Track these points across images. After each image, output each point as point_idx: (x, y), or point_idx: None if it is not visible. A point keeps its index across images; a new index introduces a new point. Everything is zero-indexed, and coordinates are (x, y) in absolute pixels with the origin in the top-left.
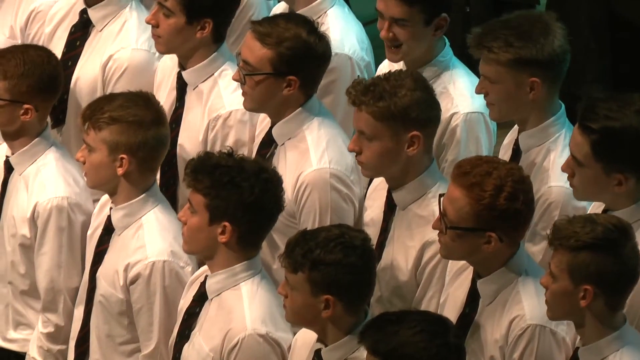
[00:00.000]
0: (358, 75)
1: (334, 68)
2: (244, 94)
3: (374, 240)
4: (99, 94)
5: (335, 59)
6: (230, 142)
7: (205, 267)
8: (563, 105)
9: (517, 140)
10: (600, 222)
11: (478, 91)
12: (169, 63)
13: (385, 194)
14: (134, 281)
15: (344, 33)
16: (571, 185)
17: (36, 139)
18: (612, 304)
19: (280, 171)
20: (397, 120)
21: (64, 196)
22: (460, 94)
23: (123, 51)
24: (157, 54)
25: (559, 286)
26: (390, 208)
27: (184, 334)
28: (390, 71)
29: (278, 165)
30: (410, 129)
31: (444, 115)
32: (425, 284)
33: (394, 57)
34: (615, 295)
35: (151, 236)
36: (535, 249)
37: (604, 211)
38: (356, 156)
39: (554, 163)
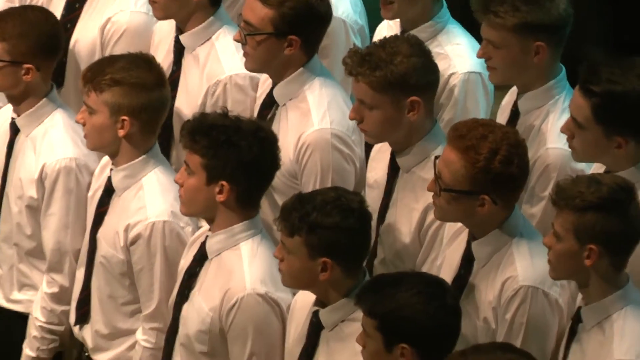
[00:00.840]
0: (353, 43)
1: (327, 32)
2: (245, 54)
3: (378, 203)
4: (97, 56)
5: None
6: (230, 106)
7: (206, 227)
8: (564, 68)
9: (515, 102)
10: (605, 182)
11: (480, 55)
12: (166, 26)
13: (388, 156)
14: (134, 242)
15: None
16: (570, 147)
17: (43, 100)
18: (616, 263)
19: (282, 132)
20: (395, 88)
21: (72, 157)
22: (457, 54)
23: (121, 14)
24: None
25: (564, 246)
26: (394, 171)
27: (184, 294)
28: (385, 37)
29: (280, 125)
30: (409, 94)
31: (442, 75)
32: (428, 246)
33: (387, 14)
34: (620, 254)
35: (151, 197)
36: (533, 210)
37: (605, 172)
38: (358, 124)
39: (552, 125)
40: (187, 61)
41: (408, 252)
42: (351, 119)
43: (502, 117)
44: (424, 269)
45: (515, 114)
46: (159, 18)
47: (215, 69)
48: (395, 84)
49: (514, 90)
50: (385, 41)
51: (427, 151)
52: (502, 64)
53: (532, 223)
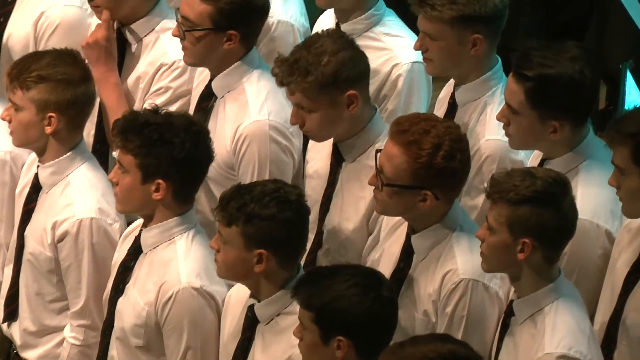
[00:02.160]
0: None
1: (275, 37)
2: (184, 49)
3: (318, 193)
4: (31, 50)
5: (277, 26)
6: (168, 89)
7: (140, 221)
8: (500, 60)
9: (453, 95)
10: (539, 176)
11: (417, 48)
12: None
13: (327, 146)
14: (61, 239)
15: None
16: (507, 134)
17: None
18: (549, 257)
19: (220, 123)
20: (329, 88)
21: (7, 150)
22: (398, 45)
23: (55, 8)
24: (89, 9)
25: (497, 239)
26: (337, 161)
27: (119, 288)
28: (309, 37)
29: (217, 117)
30: (345, 90)
31: (383, 67)
32: (378, 232)
33: (320, 1)
34: (553, 248)
35: (79, 193)
36: (473, 202)
37: (542, 161)
38: (300, 127)
39: (490, 117)
40: (129, 53)
41: (353, 241)
42: (292, 124)
43: (440, 110)
44: (375, 256)
45: (453, 106)
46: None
47: (159, 54)
48: (329, 84)
49: (451, 82)
50: (308, 42)
51: (370, 140)
52: (439, 56)
53: (473, 215)
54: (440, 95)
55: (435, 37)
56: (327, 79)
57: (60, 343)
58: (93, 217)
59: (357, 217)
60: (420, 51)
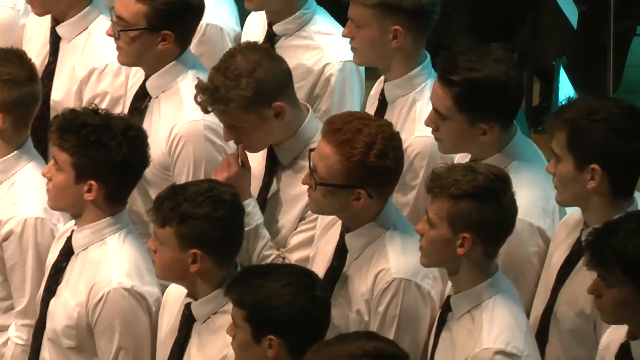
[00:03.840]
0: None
1: (204, 40)
2: (118, 48)
3: (255, 194)
4: None
5: (206, 30)
6: (106, 94)
7: (72, 222)
8: (429, 56)
9: (382, 91)
10: (480, 171)
11: (345, 34)
12: (38, 18)
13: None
14: (6, 238)
15: (215, 2)
16: (436, 139)
17: None
18: (488, 252)
19: (154, 124)
20: (253, 107)
21: None
22: (330, 44)
23: None
24: (22, 10)
25: (437, 233)
26: (272, 162)
27: (51, 289)
28: (223, 59)
29: (152, 117)
30: (270, 103)
31: (315, 67)
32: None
33: (250, 4)
34: (493, 243)
35: (24, 193)
36: (404, 199)
37: (470, 161)
38: (235, 142)
39: (420, 113)
40: (63, 52)
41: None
42: (226, 140)
43: (371, 107)
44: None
45: (383, 103)
46: (39, 14)
47: (92, 56)
48: (252, 104)
49: (381, 79)
50: (223, 66)
51: (304, 141)
52: (361, 44)
53: (405, 212)
54: (372, 92)
55: (359, 23)
56: (249, 102)
57: (6, 343)
58: (38, 216)
59: (293, 217)
60: (350, 51)
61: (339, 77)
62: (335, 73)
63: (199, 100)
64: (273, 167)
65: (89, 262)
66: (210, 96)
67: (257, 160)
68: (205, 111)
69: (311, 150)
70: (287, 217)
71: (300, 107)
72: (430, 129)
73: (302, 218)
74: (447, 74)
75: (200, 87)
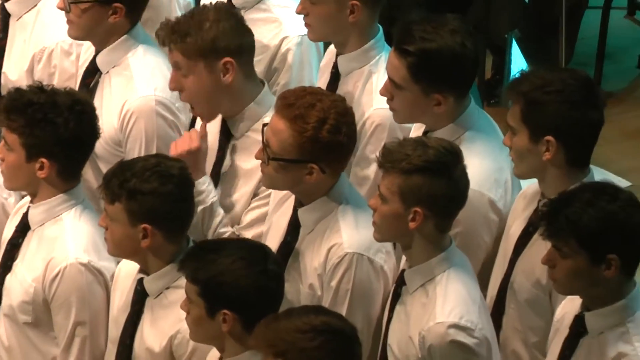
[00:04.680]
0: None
1: (152, 5)
2: (69, 22)
3: (208, 169)
4: None
5: None
6: (57, 73)
7: (27, 198)
8: (381, 29)
9: (335, 64)
10: (431, 145)
11: (298, 11)
12: None
13: (218, 122)
14: None
15: None
16: (391, 108)
17: None
18: (440, 226)
19: (105, 99)
20: (206, 53)
21: None
22: (287, 17)
23: None
24: None
25: (389, 208)
26: (225, 136)
27: (7, 265)
28: (196, 7)
29: (103, 93)
30: (221, 57)
31: (273, 41)
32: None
33: None
34: (445, 217)
35: None
36: (364, 173)
37: (425, 132)
38: (179, 93)
39: (377, 86)
40: (13, 29)
41: (241, 216)
42: (171, 89)
43: (322, 79)
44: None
45: (335, 75)
46: None
47: (42, 35)
48: (206, 48)
49: (332, 50)
50: (193, 11)
51: (258, 114)
52: (317, 20)
53: (366, 186)
54: (322, 64)
55: (315, 0)
56: (205, 43)
57: None
58: None
59: (247, 193)
60: None
61: (297, 52)
62: (293, 47)
63: (159, 33)
64: (227, 141)
65: (46, 238)
66: (170, 29)
67: (212, 135)
68: (162, 43)
69: (264, 125)
70: (240, 192)
71: (255, 81)
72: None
73: (255, 194)
74: (402, 43)
75: (165, 22)
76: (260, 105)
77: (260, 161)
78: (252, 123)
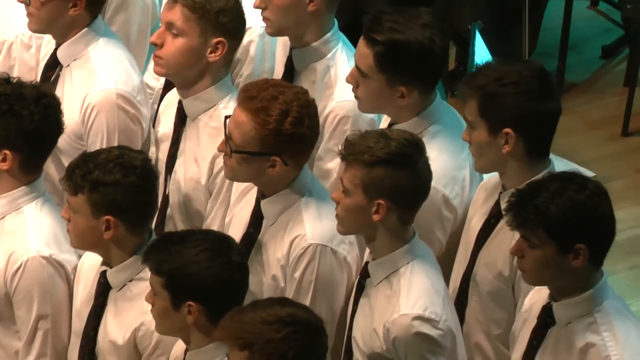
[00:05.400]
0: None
1: (123, 9)
2: (29, 15)
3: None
4: None
5: None
6: (16, 66)
7: None
8: (336, 22)
9: (290, 58)
10: (393, 137)
11: (256, 5)
12: None
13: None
14: None
15: None
16: (355, 97)
17: None
18: (404, 218)
19: (66, 93)
20: (208, 20)
21: None
22: (248, 10)
23: None
24: None
25: (352, 201)
26: (181, 120)
27: None
28: None
29: (64, 87)
30: (217, 34)
31: None
32: (216, 195)
33: None
34: (408, 209)
35: None
36: (327, 166)
37: (389, 125)
38: (155, 50)
39: (336, 78)
40: None
41: (194, 200)
42: (151, 41)
43: (276, 72)
44: (211, 217)
45: (290, 69)
46: None
47: (1, 28)
48: (210, 17)
49: (286, 44)
50: None
51: (215, 99)
52: (276, 12)
53: (330, 179)
54: (277, 59)
55: None
56: (212, 10)
57: None
58: None
59: (200, 178)
60: None
61: (259, 43)
62: (256, 39)
63: None
64: (182, 125)
65: (7, 231)
66: None
67: (171, 122)
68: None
69: (227, 117)
70: (192, 176)
71: (228, 68)
72: (350, 94)
73: (209, 178)
74: (371, 32)
75: None
76: (219, 90)
77: (208, 148)
78: (208, 106)
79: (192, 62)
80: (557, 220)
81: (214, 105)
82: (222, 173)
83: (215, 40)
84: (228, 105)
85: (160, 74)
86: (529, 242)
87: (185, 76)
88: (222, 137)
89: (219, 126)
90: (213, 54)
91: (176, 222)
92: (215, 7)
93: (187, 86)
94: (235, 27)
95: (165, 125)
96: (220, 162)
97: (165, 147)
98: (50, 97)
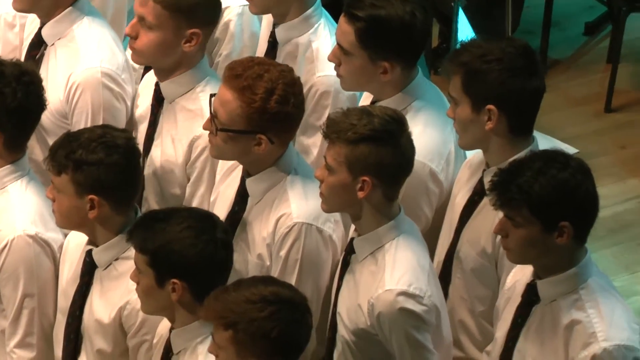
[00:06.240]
0: None
1: None
2: None
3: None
4: None
5: None
6: (1, 46)
7: None
8: None
9: (273, 33)
10: (376, 114)
11: None
12: None
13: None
14: None
15: None
16: (338, 75)
17: None
18: (388, 194)
19: (51, 72)
20: (182, 14)
21: None
22: None
23: None
24: None
25: (337, 178)
26: (158, 101)
27: None
28: None
29: (49, 65)
30: (192, 26)
31: None
32: (197, 179)
33: None
34: (393, 185)
35: None
36: (310, 141)
37: (372, 102)
38: (130, 41)
39: (318, 53)
40: None
41: (171, 182)
42: (126, 33)
43: (259, 49)
44: (194, 203)
45: (273, 44)
46: None
47: None
48: (183, 10)
49: (268, 19)
50: None
51: (192, 82)
52: None
53: (313, 153)
54: (261, 35)
55: None
56: (186, 4)
57: None
58: None
59: (177, 160)
60: None
61: (238, 22)
62: (234, 18)
63: None
64: (159, 106)
65: None
66: None
67: (146, 103)
68: None
69: (212, 95)
70: (169, 157)
71: (203, 51)
72: (331, 68)
73: (187, 161)
74: (352, 8)
75: None
76: (196, 73)
77: (186, 128)
78: (186, 89)
79: (166, 53)
80: (541, 199)
81: (191, 89)
82: (202, 157)
83: (190, 31)
84: (205, 89)
85: (137, 63)
86: (512, 221)
87: (161, 64)
88: (199, 120)
89: (196, 109)
90: (188, 44)
91: (151, 204)
92: (189, 1)
93: (164, 71)
94: (210, 15)
95: (143, 106)
96: (199, 145)
97: (142, 128)
98: (31, 74)
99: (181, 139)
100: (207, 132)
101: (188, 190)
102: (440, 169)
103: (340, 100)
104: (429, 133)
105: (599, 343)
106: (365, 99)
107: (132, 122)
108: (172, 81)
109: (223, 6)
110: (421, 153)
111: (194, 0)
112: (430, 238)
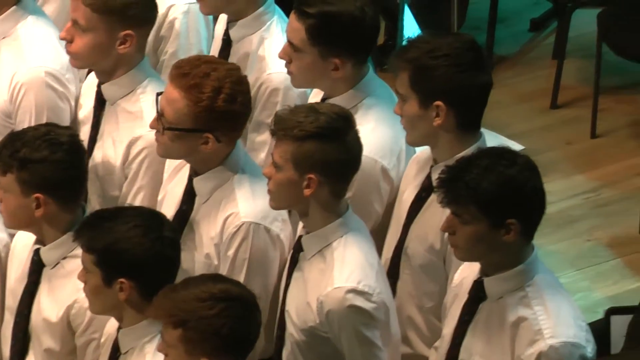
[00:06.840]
0: None
1: None
2: None
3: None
4: None
5: None
6: None
7: None
8: None
9: (227, 31)
10: (323, 111)
11: None
12: None
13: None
14: None
15: None
16: (289, 72)
17: None
18: (335, 191)
19: None
20: (113, 15)
21: None
22: None
23: None
24: None
25: (283, 176)
26: (100, 103)
27: None
28: None
29: None
30: (125, 27)
31: (160, 9)
32: (132, 178)
33: None
34: (339, 182)
35: None
36: (261, 138)
37: (323, 99)
38: (66, 45)
39: (270, 50)
40: None
41: (111, 184)
42: (61, 37)
43: (214, 47)
44: (127, 202)
45: (227, 42)
46: None
47: None
48: (115, 11)
49: (223, 18)
50: None
51: (133, 84)
52: None
53: (263, 151)
54: (216, 34)
55: None
56: (116, 6)
57: None
58: None
59: (116, 162)
60: None
61: (183, 20)
62: (180, 16)
63: None
64: (101, 108)
65: None
66: None
67: (89, 104)
68: None
69: (159, 94)
70: (109, 159)
71: (142, 52)
72: (281, 66)
73: (124, 162)
74: (302, 5)
75: None
76: (137, 74)
77: (130, 130)
78: (127, 91)
79: (102, 56)
80: (489, 196)
81: (132, 91)
82: (139, 158)
83: (123, 33)
84: (146, 90)
85: (75, 67)
86: (460, 219)
87: (99, 66)
88: (139, 122)
89: (136, 111)
90: (123, 46)
91: (93, 205)
92: (120, 3)
93: (104, 73)
94: (144, 16)
95: (86, 107)
96: (138, 146)
97: (86, 129)
98: None
99: (122, 140)
100: (146, 133)
101: (123, 190)
102: (391, 166)
103: (291, 98)
104: (381, 130)
105: (545, 340)
106: (315, 96)
107: (76, 121)
108: (113, 83)
109: (168, 4)
110: (372, 150)
111: (125, 1)
112: (379, 235)
